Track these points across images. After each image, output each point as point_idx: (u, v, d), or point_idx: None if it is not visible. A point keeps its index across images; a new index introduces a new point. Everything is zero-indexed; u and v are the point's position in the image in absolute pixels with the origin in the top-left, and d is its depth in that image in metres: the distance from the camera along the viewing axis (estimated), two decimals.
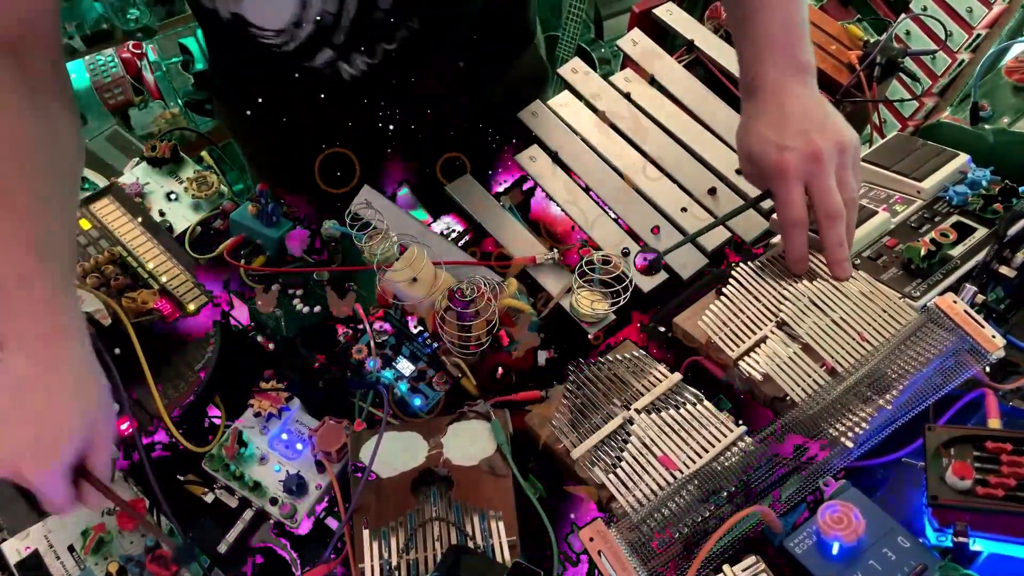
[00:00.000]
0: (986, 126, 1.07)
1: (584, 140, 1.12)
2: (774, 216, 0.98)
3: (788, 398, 0.81)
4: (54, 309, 0.70)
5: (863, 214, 0.93)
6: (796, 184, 0.81)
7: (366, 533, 0.77)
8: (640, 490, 0.76)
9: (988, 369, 0.80)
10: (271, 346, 0.95)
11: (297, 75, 1.00)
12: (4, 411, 0.68)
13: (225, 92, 1.21)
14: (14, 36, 0.76)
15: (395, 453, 0.82)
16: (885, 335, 0.82)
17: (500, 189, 1.12)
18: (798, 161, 0.80)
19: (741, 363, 0.85)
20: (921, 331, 0.81)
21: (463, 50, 1.06)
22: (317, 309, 0.96)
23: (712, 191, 1.05)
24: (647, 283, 0.98)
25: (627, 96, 1.16)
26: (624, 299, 0.93)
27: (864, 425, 0.76)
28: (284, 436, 0.88)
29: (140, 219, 1.03)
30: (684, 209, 1.04)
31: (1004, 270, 0.87)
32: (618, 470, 0.78)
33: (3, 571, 0.79)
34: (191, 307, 0.95)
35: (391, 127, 1.10)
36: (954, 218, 0.93)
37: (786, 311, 0.86)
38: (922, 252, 0.87)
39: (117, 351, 0.85)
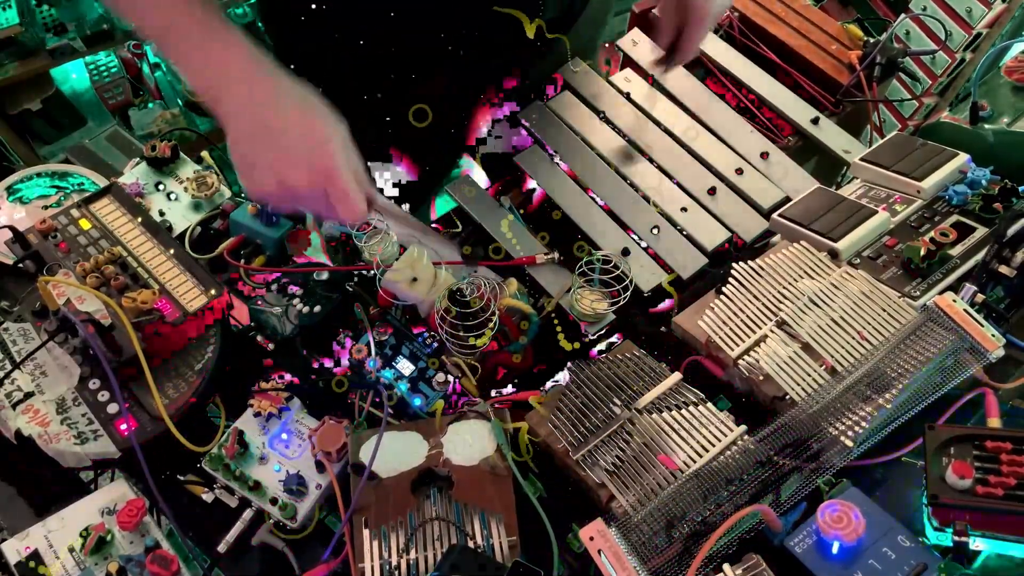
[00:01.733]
0: (986, 126, 1.07)
1: (584, 140, 1.12)
2: (775, 216, 0.99)
3: (788, 397, 0.81)
4: (245, 39, 0.75)
5: (863, 214, 0.93)
6: (705, 28, 1.00)
7: (366, 533, 0.77)
8: (640, 490, 0.76)
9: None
10: (271, 346, 0.95)
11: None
12: (267, 138, 0.72)
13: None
14: None
15: (395, 453, 0.82)
16: (885, 334, 0.82)
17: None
18: (713, 15, 0.98)
19: (741, 362, 0.85)
20: (921, 330, 0.81)
21: None
22: (317, 309, 0.96)
23: (712, 191, 1.05)
24: (647, 283, 0.98)
25: (627, 96, 1.16)
26: (624, 299, 0.93)
27: (864, 424, 0.76)
28: (284, 436, 0.88)
29: (140, 219, 1.02)
30: (684, 209, 1.04)
31: (1004, 269, 0.87)
32: (618, 470, 0.78)
33: (3, 571, 0.79)
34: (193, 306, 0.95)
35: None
36: (954, 218, 0.93)
37: (786, 310, 0.86)
38: (922, 251, 0.87)
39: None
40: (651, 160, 1.09)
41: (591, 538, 0.72)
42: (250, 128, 0.73)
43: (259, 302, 0.97)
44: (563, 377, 0.92)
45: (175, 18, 0.74)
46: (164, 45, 0.76)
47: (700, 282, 0.99)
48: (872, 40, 1.21)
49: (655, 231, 1.02)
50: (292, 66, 0.93)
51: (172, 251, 0.99)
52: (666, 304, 0.99)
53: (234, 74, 0.73)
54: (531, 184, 1.11)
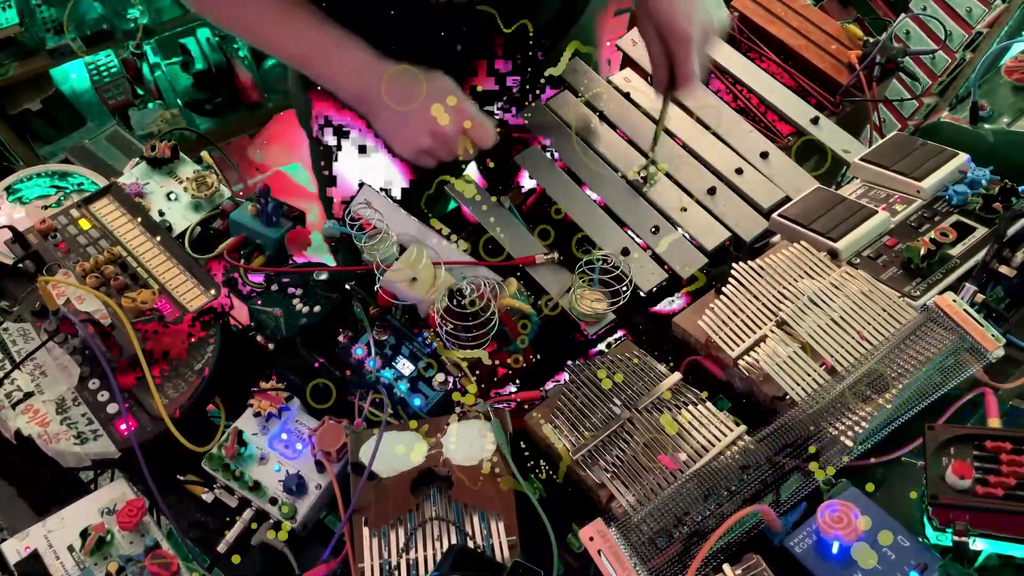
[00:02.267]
0: (986, 126, 1.07)
1: (584, 140, 1.12)
2: (775, 216, 0.99)
3: (788, 397, 0.81)
4: (368, 47, 0.97)
5: (863, 214, 0.93)
6: (693, 49, 0.99)
7: (366, 533, 0.77)
8: (640, 490, 0.76)
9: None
10: (271, 346, 0.95)
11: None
12: (408, 106, 0.95)
13: None
14: None
15: (395, 453, 0.82)
16: (885, 334, 0.82)
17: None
18: (699, 35, 0.97)
19: (741, 362, 0.85)
20: (921, 330, 0.81)
21: None
22: (317, 309, 0.96)
23: (712, 191, 1.05)
24: (647, 283, 0.98)
25: (627, 96, 1.16)
26: (624, 299, 0.93)
27: (864, 424, 0.76)
28: (284, 436, 0.88)
29: (140, 219, 1.02)
30: (684, 209, 1.04)
31: (1004, 269, 0.87)
32: (618, 470, 0.78)
33: (3, 571, 0.79)
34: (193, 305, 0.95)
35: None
36: (954, 217, 0.93)
37: (786, 310, 0.86)
38: (922, 251, 0.87)
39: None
40: (652, 160, 1.09)
41: (591, 538, 0.72)
42: (394, 100, 0.94)
43: (258, 302, 0.97)
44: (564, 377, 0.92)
45: (314, 39, 0.97)
46: (304, 64, 1.00)
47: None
48: (872, 40, 1.21)
49: (655, 231, 1.02)
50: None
51: (172, 251, 0.99)
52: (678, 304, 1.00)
53: (372, 71, 0.95)
54: (522, 180, 1.11)
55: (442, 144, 0.95)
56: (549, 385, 0.93)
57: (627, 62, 1.23)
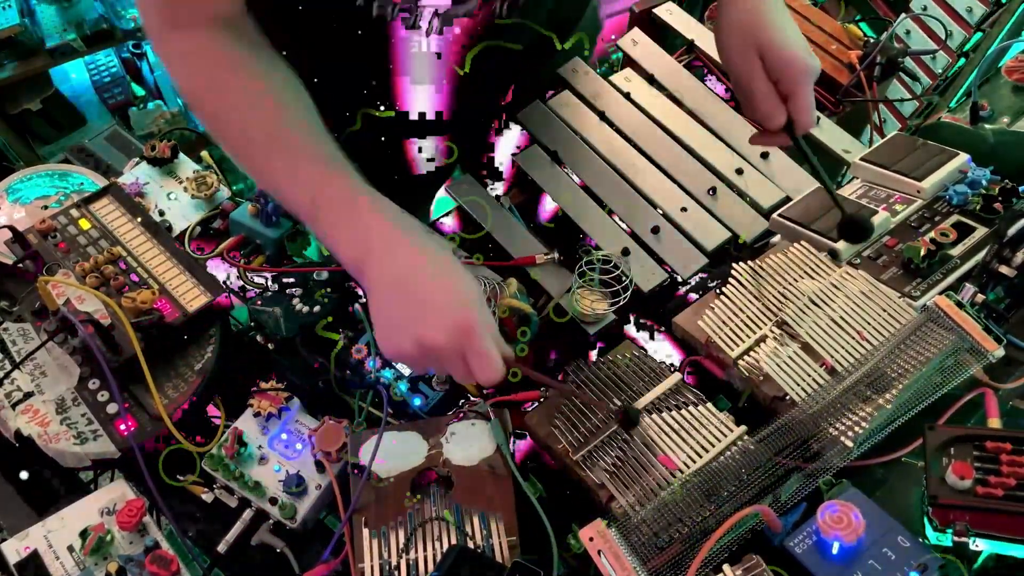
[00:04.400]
0: (986, 126, 1.07)
1: (584, 140, 1.12)
2: (775, 216, 0.99)
3: (788, 397, 0.81)
4: (385, 206, 0.76)
5: (863, 214, 0.93)
6: (809, 92, 0.86)
7: (366, 533, 0.77)
8: (640, 490, 0.76)
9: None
10: (271, 346, 0.95)
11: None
12: (409, 304, 0.71)
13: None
14: (237, 9, 0.80)
15: (395, 453, 0.82)
16: (885, 334, 0.82)
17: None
18: (815, 67, 0.86)
19: (741, 362, 0.85)
20: (921, 330, 0.81)
21: None
22: (317, 309, 0.96)
23: (712, 191, 1.05)
24: (647, 283, 0.98)
25: (627, 96, 1.16)
26: (624, 299, 0.93)
27: (864, 424, 0.76)
28: (284, 436, 0.87)
29: (140, 219, 1.02)
30: (684, 209, 1.04)
31: (1004, 269, 0.87)
32: (618, 470, 0.78)
33: (3, 571, 0.79)
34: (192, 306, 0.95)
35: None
36: (954, 218, 0.93)
37: (786, 311, 0.86)
38: (922, 251, 0.87)
39: None
40: (651, 160, 1.09)
41: (591, 538, 0.72)
42: (392, 295, 0.73)
43: (258, 302, 0.97)
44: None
45: (318, 192, 0.75)
46: (309, 219, 0.77)
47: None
48: (872, 40, 1.21)
49: (655, 231, 1.02)
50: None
51: (172, 251, 0.99)
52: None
53: (377, 245, 0.73)
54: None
55: (431, 362, 0.72)
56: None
57: (627, 62, 1.23)
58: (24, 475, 0.88)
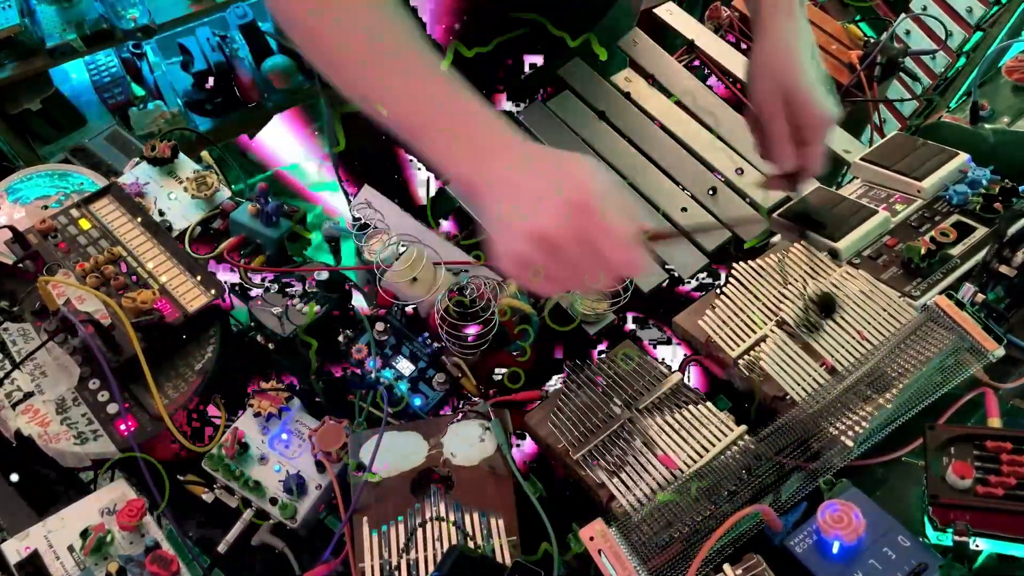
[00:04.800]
0: (986, 125, 1.07)
1: (584, 140, 1.12)
2: (775, 215, 0.99)
3: (788, 397, 0.81)
4: (499, 116, 0.72)
5: (863, 213, 0.93)
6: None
7: (366, 533, 0.77)
8: (640, 490, 0.76)
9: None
10: (271, 346, 0.95)
11: None
12: (519, 194, 0.66)
13: None
14: None
15: (395, 453, 0.82)
16: (885, 334, 0.82)
17: None
18: (836, 117, 0.87)
19: (741, 362, 0.85)
20: (921, 330, 0.81)
21: None
22: (317, 309, 0.96)
23: (712, 191, 1.05)
24: (647, 283, 0.98)
25: (627, 96, 1.16)
26: (624, 299, 0.93)
27: (864, 424, 0.76)
28: (284, 436, 0.87)
29: (140, 219, 1.02)
30: (684, 209, 1.04)
31: (1004, 269, 0.87)
32: (618, 470, 0.78)
33: (3, 571, 0.79)
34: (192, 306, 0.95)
35: None
36: (954, 217, 0.93)
37: (786, 310, 0.86)
38: (922, 251, 0.87)
39: None
40: (651, 160, 1.09)
41: (591, 538, 0.72)
42: (504, 193, 0.68)
43: (259, 302, 0.97)
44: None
45: (434, 105, 0.72)
46: (415, 134, 0.72)
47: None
48: (872, 40, 1.21)
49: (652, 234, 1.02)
50: None
51: (172, 251, 0.99)
52: None
53: (494, 148, 0.70)
54: None
55: (556, 263, 0.64)
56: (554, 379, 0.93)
57: (626, 62, 1.23)
58: (15, 477, 0.88)
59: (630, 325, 0.99)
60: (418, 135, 0.72)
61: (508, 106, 1.21)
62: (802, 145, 0.86)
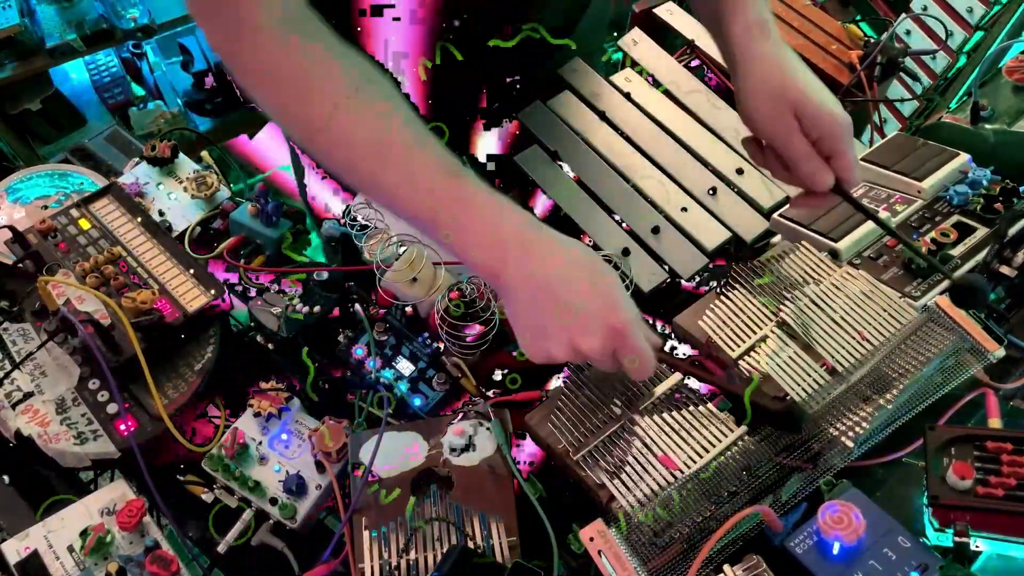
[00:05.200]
0: (986, 126, 1.07)
1: (584, 140, 1.12)
2: (775, 216, 0.99)
3: (788, 397, 0.81)
4: (512, 206, 0.72)
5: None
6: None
7: (366, 533, 0.77)
8: (640, 490, 0.76)
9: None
10: (271, 346, 0.95)
11: None
12: (556, 306, 0.70)
13: None
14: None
15: (395, 453, 0.82)
16: (885, 334, 0.82)
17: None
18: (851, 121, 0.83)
19: (741, 362, 0.85)
20: (921, 330, 0.81)
21: None
22: (317, 309, 0.96)
23: (712, 191, 1.05)
24: (647, 283, 0.98)
25: (627, 96, 1.16)
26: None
27: (864, 424, 0.76)
28: (284, 436, 0.87)
29: (140, 219, 1.02)
30: (684, 209, 1.04)
31: (1004, 270, 0.87)
32: (618, 470, 0.78)
33: (3, 571, 0.79)
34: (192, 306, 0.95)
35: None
36: (955, 218, 0.93)
37: (786, 311, 0.86)
38: (923, 252, 0.87)
39: None
40: (651, 160, 1.09)
41: (591, 539, 0.72)
42: (536, 297, 0.70)
43: (259, 302, 0.97)
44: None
45: (439, 199, 0.71)
46: (431, 228, 0.73)
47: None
48: (872, 40, 1.21)
49: (655, 231, 1.02)
50: None
51: (172, 251, 0.99)
52: None
53: (513, 246, 0.70)
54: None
55: (581, 360, 0.74)
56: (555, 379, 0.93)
57: (627, 62, 1.23)
58: (6, 479, 0.88)
59: None
60: (433, 230, 0.73)
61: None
62: (831, 158, 0.81)
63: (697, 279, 1.00)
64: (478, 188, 0.72)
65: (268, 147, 1.45)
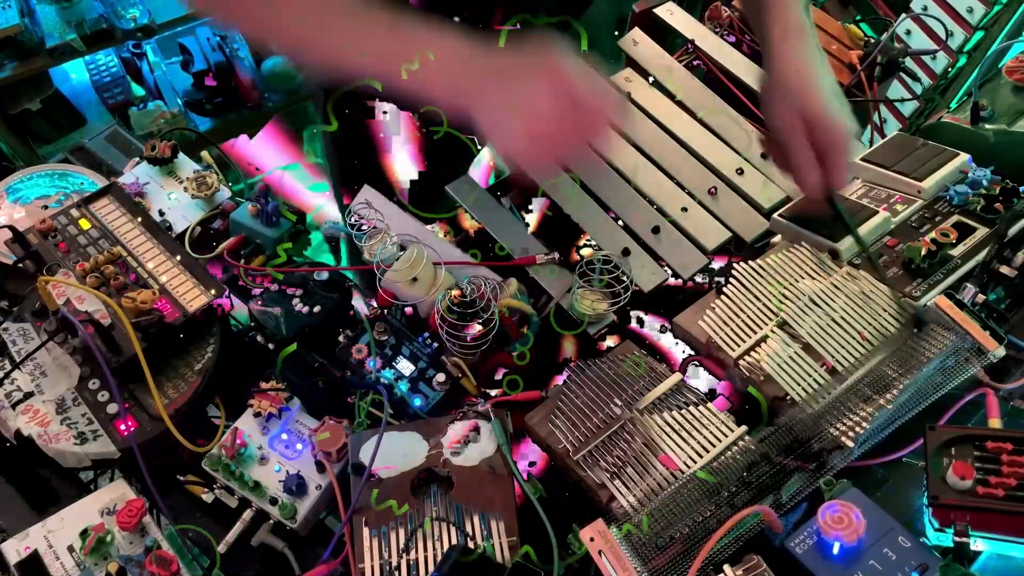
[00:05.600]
0: (987, 126, 1.07)
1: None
2: (775, 216, 0.99)
3: (788, 397, 0.81)
4: (447, 30, 0.77)
5: (864, 214, 0.93)
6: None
7: (366, 533, 0.77)
8: (640, 490, 0.76)
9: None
10: (271, 346, 0.95)
11: None
12: (504, 91, 0.75)
13: None
14: None
15: (395, 453, 0.82)
16: (885, 334, 0.82)
17: None
18: (857, 132, 0.88)
19: (742, 363, 0.85)
20: (921, 330, 0.81)
21: None
22: (317, 309, 0.96)
23: (712, 191, 1.05)
24: (647, 283, 0.98)
25: (627, 96, 1.16)
26: (624, 299, 0.93)
27: (864, 424, 0.75)
28: (284, 436, 0.87)
29: (140, 219, 1.02)
30: (684, 209, 1.04)
31: (1004, 270, 0.87)
32: (618, 470, 0.78)
33: (3, 571, 0.79)
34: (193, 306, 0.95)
35: None
36: (955, 218, 0.93)
37: (786, 311, 0.86)
38: (923, 252, 0.87)
39: None
40: (651, 160, 1.09)
41: (591, 539, 0.72)
42: (490, 96, 0.75)
43: (259, 302, 0.97)
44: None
45: (390, 45, 0.77)
46: (387, 76, 0.77)
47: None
48: (873, 40, 1.21)
49: (655, 231, 1.02)
50: None
51: (172, 251, 0.99)
52: None
53: (467, 62, 0.76)
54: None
55: (547, 140, 0.75)
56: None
57: (627, 62, 1.23)
58: None
59: (633, 324, 1.00)
60: (386, 73, 0.77)
61: None
62: (825, 161, 0.86)
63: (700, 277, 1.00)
64: (424, 25, 0.77)
65: (268, 147, 1.45)
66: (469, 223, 1.10)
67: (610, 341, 0.96)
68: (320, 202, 1.45)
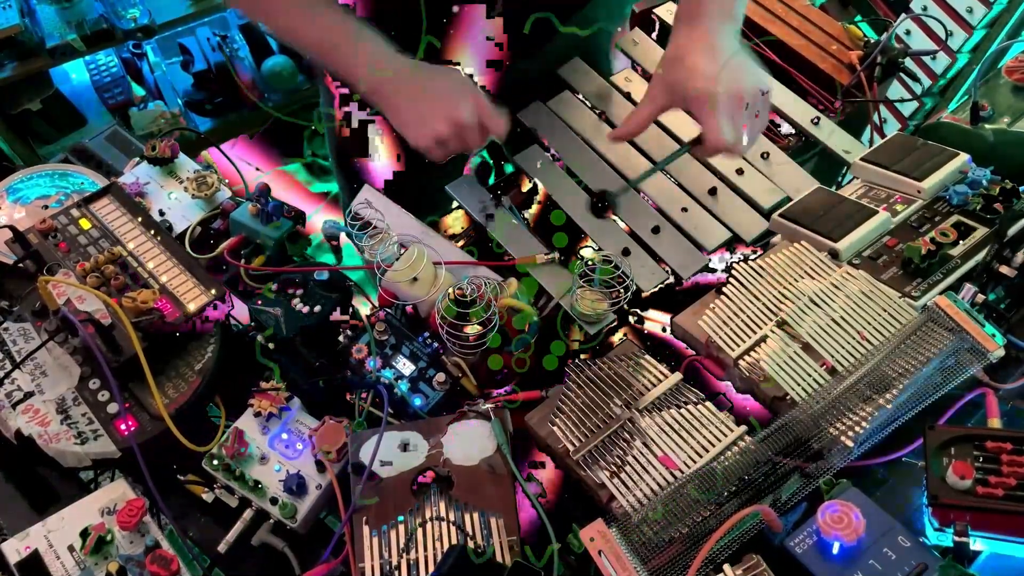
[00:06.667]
0: (986, 126, 1.07)
1: (584, 140, 1.12)
2: (775, 216, 0.99)
3: (788, 397, 0.81)
4: (378, 38, 0.99)
5: (863, 214, 0.93)
6: (719, 113, 0.93)
7: (366, 533, 0.77)
8: (640, 490, 0.76)
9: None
10: (271, 346, 0.95)
11: None
12: (426, 97, 0.97)
13: None
14: None
15: (395, 453, 0.82)
16: (885, 334, 0.82)
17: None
18: (725, 98, 0.93)
19: (741, 362, 0.85)
20: (921, 330, 0.81)
21: None
22: (317, 309, 0.96)
23: (712, 191, 1.05)
24: (647, 283, 0.98)
25: (627, 96, 1.16)
26: (625, 299, 0.93)
27: (864, 424, 0.76)
28: (284, 436, 0.87)
29: (140, 219, 1.02)
30: (684, 209, 1.04)
31: (1004, 270, 0.87)
32: (618, 470, 0.78)
33: (3, 571, 0.79)
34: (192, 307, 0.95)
35: None
36: (954, 218, 0.93)
37: (786, 310, 0.86)
38: (922, 252, 0.87)
39: None
40: (651, 160, 1.09)
41: (591, 539, 0.72)
42: (410, 96, 0.97)
43: (259, 302, 0.97)
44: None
45: (333, 35, 0.98)
46: (326, 59, 1.01)
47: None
48: (872, 40, 1.21)
49: (655, 231, 1.02)
50: None
51: (172, 251, 0.99)
52: None
53: (387, 67, 0.97)
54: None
55: (459, 132, 0.95)
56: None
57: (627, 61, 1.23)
58: None
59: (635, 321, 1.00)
60: (325, 58, 1.01)
61: None
62: (702, 127, 0.95)
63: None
64: (364, 28, 0.98)
65: (268, 147, 1.45)
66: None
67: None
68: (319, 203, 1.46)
